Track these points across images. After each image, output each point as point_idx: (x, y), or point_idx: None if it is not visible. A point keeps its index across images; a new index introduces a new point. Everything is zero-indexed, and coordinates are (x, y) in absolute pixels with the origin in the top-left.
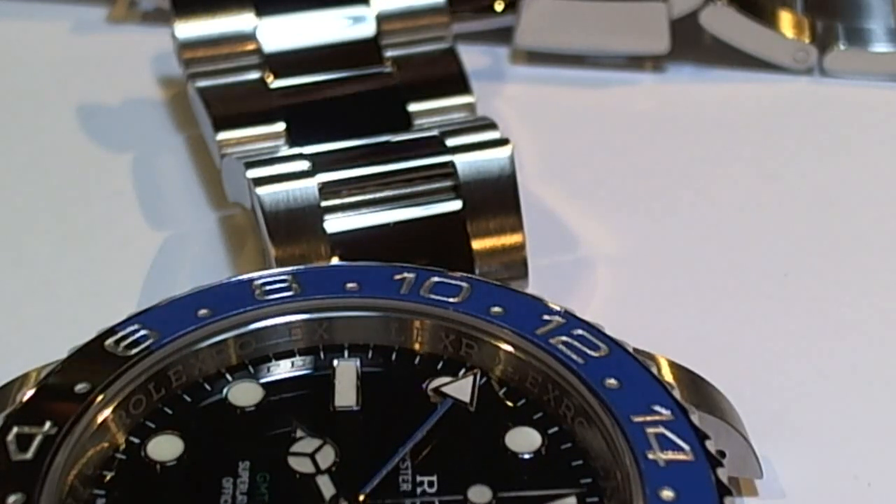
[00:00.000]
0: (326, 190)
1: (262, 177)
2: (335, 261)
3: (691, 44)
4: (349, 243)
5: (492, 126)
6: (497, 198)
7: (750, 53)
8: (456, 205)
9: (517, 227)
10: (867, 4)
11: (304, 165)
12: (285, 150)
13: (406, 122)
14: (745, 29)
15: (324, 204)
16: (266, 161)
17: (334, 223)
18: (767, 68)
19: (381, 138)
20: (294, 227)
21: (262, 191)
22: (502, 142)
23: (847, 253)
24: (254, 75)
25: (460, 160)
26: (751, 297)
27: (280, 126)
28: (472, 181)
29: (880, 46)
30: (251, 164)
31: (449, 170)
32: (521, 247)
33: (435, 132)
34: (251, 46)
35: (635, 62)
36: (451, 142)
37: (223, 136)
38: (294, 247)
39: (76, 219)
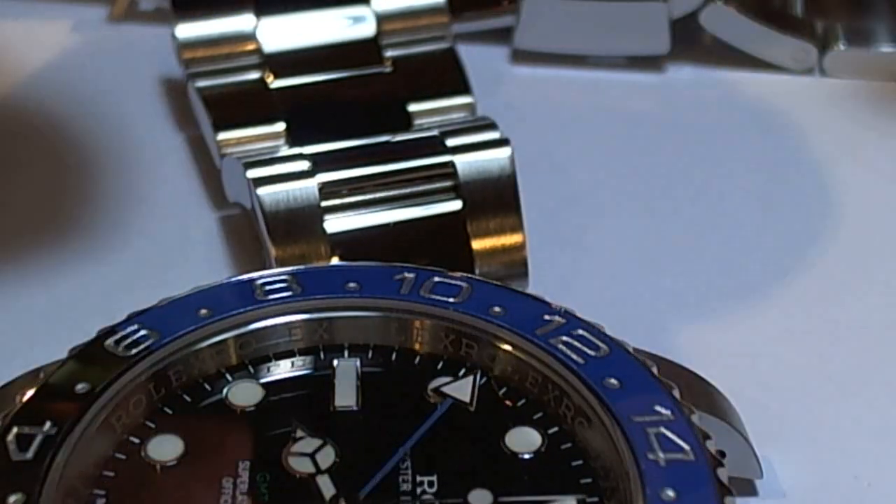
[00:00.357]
0: (326, 190)
1: (262, 177)
2: (335, 261)
3: (691, 44)
4: (349, 243)
5: (492, 126)
6: (497, 198)
7: (750, 53)
8: (456, 205)
9: (517, 227)
10: (867, 4)
11: (304, 165)
12: (285, 150)
13: (406, 122)
14: (745, 29)
15: (324, 204)
16: (266, 161)
17: (334, 223)
18: (767, 68)
19: (381, 138)
20: (294, 227)
21: (262, 191)
22: (502, 142)
23: (847, 253)
24: (254, 75)
25: (460, 160)
26: (751, 297)
27: (280, 126)
28: (472, 181)
29: (880, 46)
30: (251, 164)
31: (449, 170)
32: (521, 247)
33: (435, 132)
34: (251, 46)
35: (635, 62)
36: (451, 142)
37: (223, 136)
38: (294, 247)
39: (77, 219)
